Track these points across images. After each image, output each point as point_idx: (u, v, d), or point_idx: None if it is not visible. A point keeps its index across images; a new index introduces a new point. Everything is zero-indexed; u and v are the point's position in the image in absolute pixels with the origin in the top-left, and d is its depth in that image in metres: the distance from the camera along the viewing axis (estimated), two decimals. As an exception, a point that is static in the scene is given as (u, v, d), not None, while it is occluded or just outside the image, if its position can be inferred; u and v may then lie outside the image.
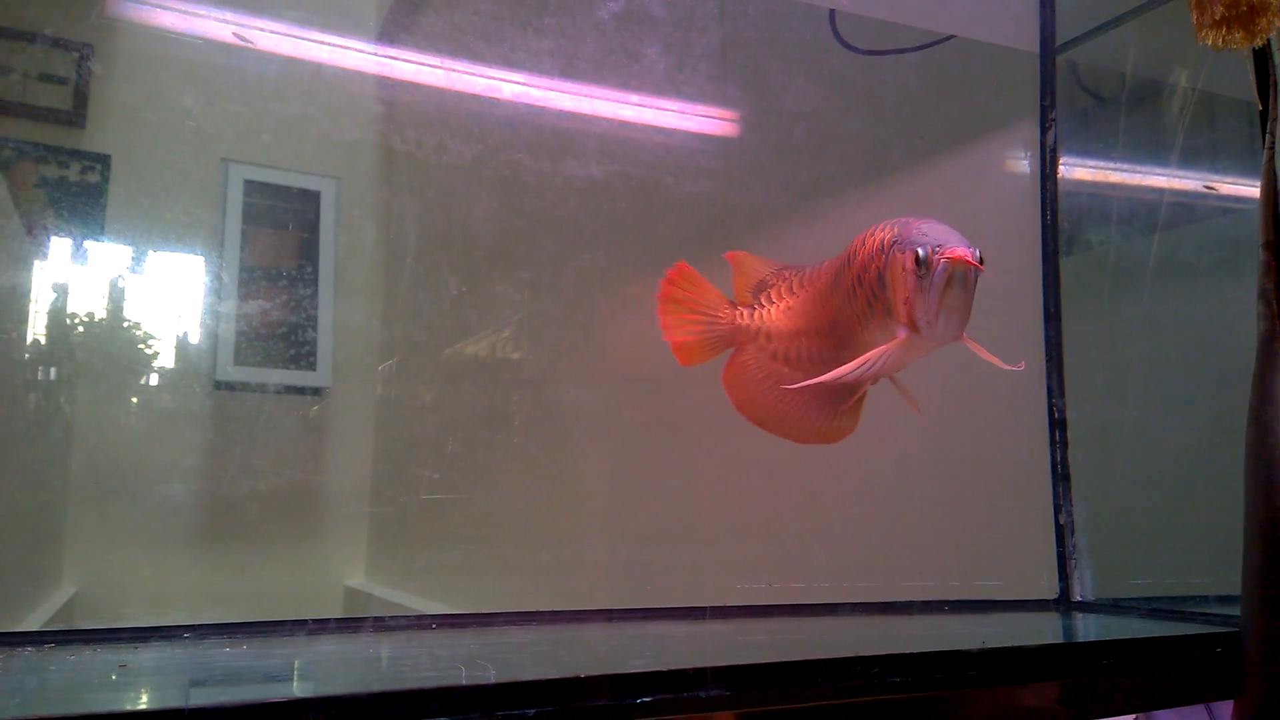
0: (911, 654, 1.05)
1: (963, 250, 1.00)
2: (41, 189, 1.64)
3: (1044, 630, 1.40)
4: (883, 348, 1.07)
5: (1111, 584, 1.56)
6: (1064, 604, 1.56)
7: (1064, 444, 1.57)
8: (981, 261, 1.01)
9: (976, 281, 1.01)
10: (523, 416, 1.58)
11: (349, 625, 1.21)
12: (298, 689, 0.86)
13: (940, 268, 0.99)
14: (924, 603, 1.46)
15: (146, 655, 1.05)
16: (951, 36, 1.63)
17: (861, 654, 1.02)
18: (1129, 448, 1.58)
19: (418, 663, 1.04)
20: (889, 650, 1.04)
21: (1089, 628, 1.42)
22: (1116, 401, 1.59)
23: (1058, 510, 1.57)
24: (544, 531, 1.55)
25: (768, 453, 1.58)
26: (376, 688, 0.83)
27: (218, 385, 1.70)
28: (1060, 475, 1.57)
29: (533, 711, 0.86)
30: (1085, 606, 1.55)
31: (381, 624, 1.22)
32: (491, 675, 0.90)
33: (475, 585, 1.51)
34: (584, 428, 1.57)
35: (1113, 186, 1.66)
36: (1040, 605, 1.55)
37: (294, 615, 1.23)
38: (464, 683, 0.87)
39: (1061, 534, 1.57)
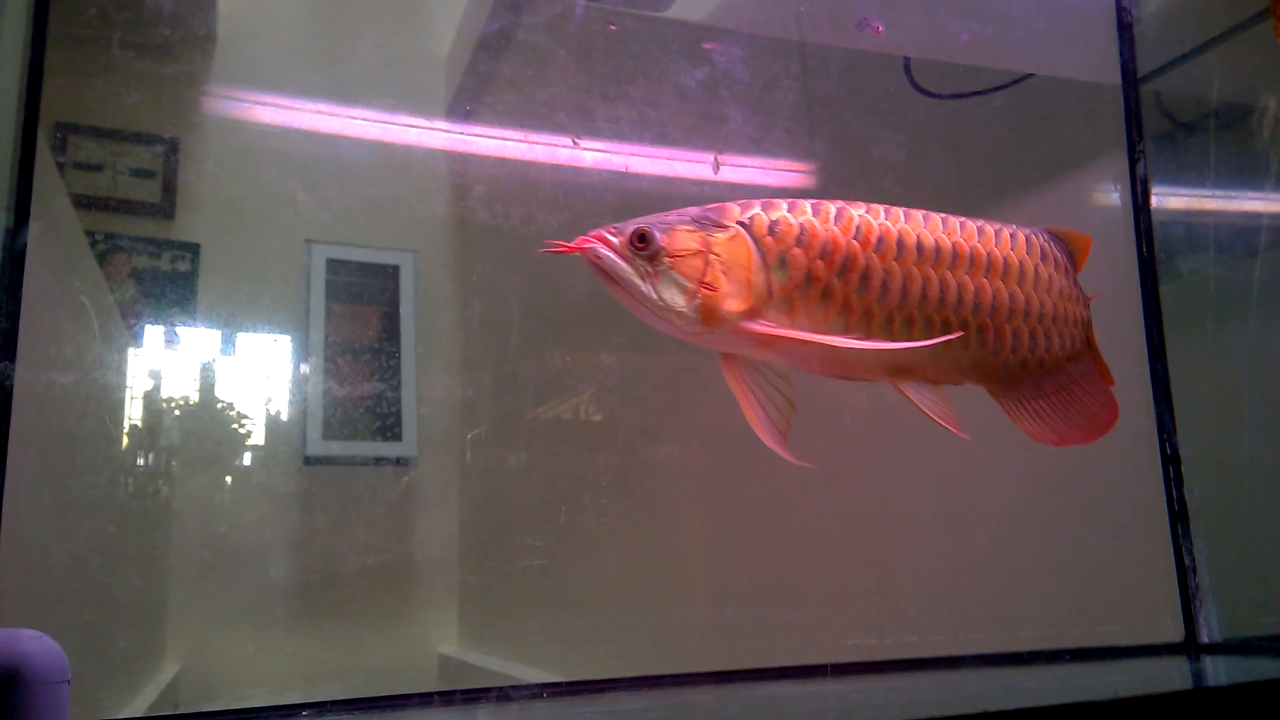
0: (1043, 707, 1.01)
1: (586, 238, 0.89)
2: (134, 279, 1.71)
3: (1174, 676, 1.34)
4: None
5: (1240, 623, 1.49)
6: (1191, 647, 1.50)
7: (1179, 481, 1.52)
8: (640, 241, 0.86)
9: (635, 275, 0.86)
10: (618, 478, 1.58)
11: (469, 696, 1.21)
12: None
13: None
14: (1046, 652, 1.41)
15: (271, 738, 1.05)
16: (1031, 75, 1.62)
17: (989, 710, 0.98)
18: (1247, 480, 1.53)
19: (537, 736, 1.03)
20: (1018, 705, 1.00)
21: (1220, 671, 1.35)
22: (1230, 434, 1.54)
23: (1178, 549, 1.51)
24: (645, 594, 1.54)
25: (870, 503, 1.55)
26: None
27: (308, 460, 1.73)
28: (1178, 513, 1.52)
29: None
30: (1214, 649, 1.48)
31: (503, 694, 1.21)
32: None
33: (572, 651, 1.50)
34: (681, 486, 1.56)
35: (1208, 214, 1.63)
36: (1167, 649, 1.49)
37: (389, 685, 1.23)
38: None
39: (1183, 574, 1.51)
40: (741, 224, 0.91)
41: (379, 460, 1.79)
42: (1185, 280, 1.60)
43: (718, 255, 0.89)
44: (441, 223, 1.74)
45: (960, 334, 0.94)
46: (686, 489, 1.58)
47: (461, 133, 1.69)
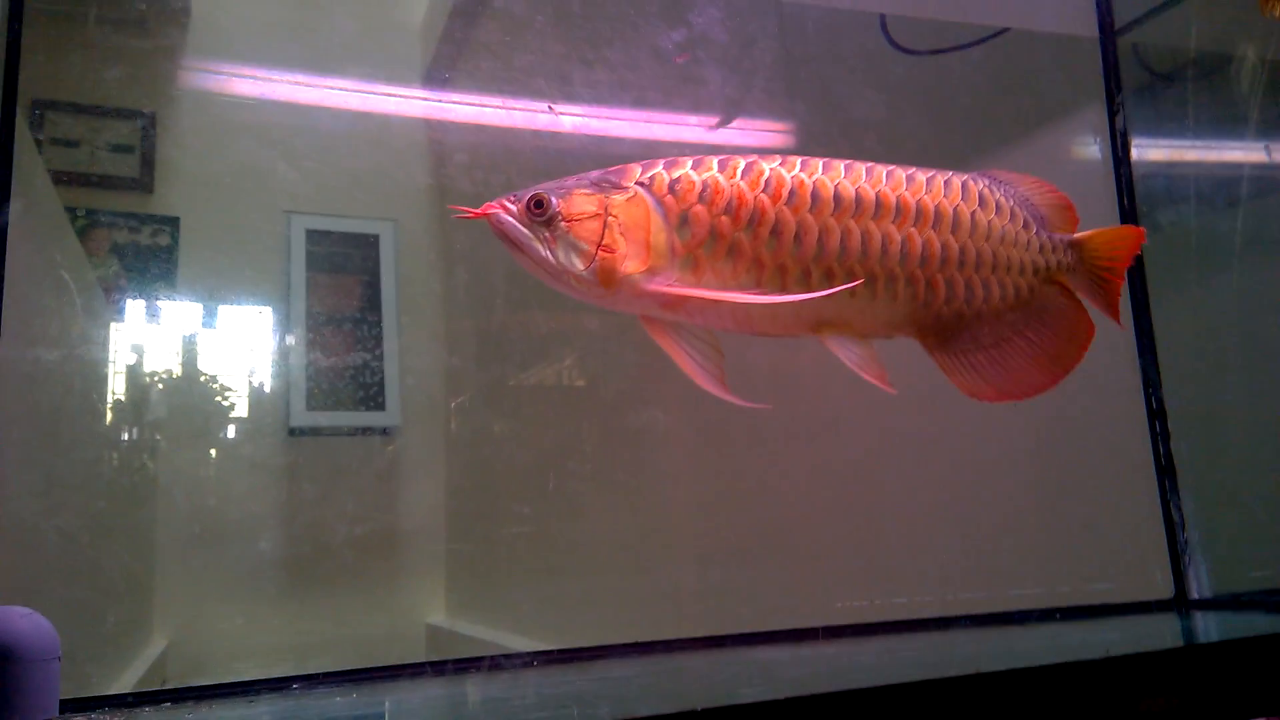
0: (1035, 667, 1.01)
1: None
2: (115, 254, 1.68)
3: (1164, 633, 1.34)
4: None
5: (1229, 578, 1.49)
6: (1181, 603, 1.50)
7: (1165, 435, 1.51)
8: (537, 206, 0.86)
9: (534, 239, 0.87)
10: (603, 443, 1.57)
11: (460, 666, 1.21)
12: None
13: None
14: (1037, 611, 1.41)
15: (263, 709, 1.05)
16: (1007, 29, 1.60)
17: (982, 670, 0.98)
18: (1234, 433, 1.53)
19: (527, 704, 1.03)
20: (1011, 665, 1.00)
21: (1210, 627, 1.36)
22: (1216, 386, 1.54)
23: (1165, 505, 1.51)
24: (634, 559, 1.53)
25: (856, 461, 1.54)
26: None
27: (292, 432, 1.72)
28: (1165, 468, 1.51)
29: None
30: (1204, 604, 1.48)
31: (494, 664, 1.21)
32: (605, 714, 0.89)
33: (561, 618, 1.50)
34: (668, 450, 1.55)
35: (1189, 165, 1.62)
36: (1157, 606, 1.49)
37: (376, 656, 1.23)
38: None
39: (1171, 529, 1.51)
40: (641, 184, 0.90)
41: (363, 430, 1.78)
42: (1167, 232, 1.60)
43: (616, 217, 0.88)
44: (421, 191, 1.72)
45: (860, 282, 0.91)
46: (673, 452, 1.57)
47: (439, 100, 1.67)
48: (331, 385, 1.77)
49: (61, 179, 1.61)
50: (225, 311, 1.66)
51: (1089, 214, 1.63)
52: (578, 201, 0.88)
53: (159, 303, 1.69)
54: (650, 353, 1.58)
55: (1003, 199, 1.01)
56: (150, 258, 1.70)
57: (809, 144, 1.60)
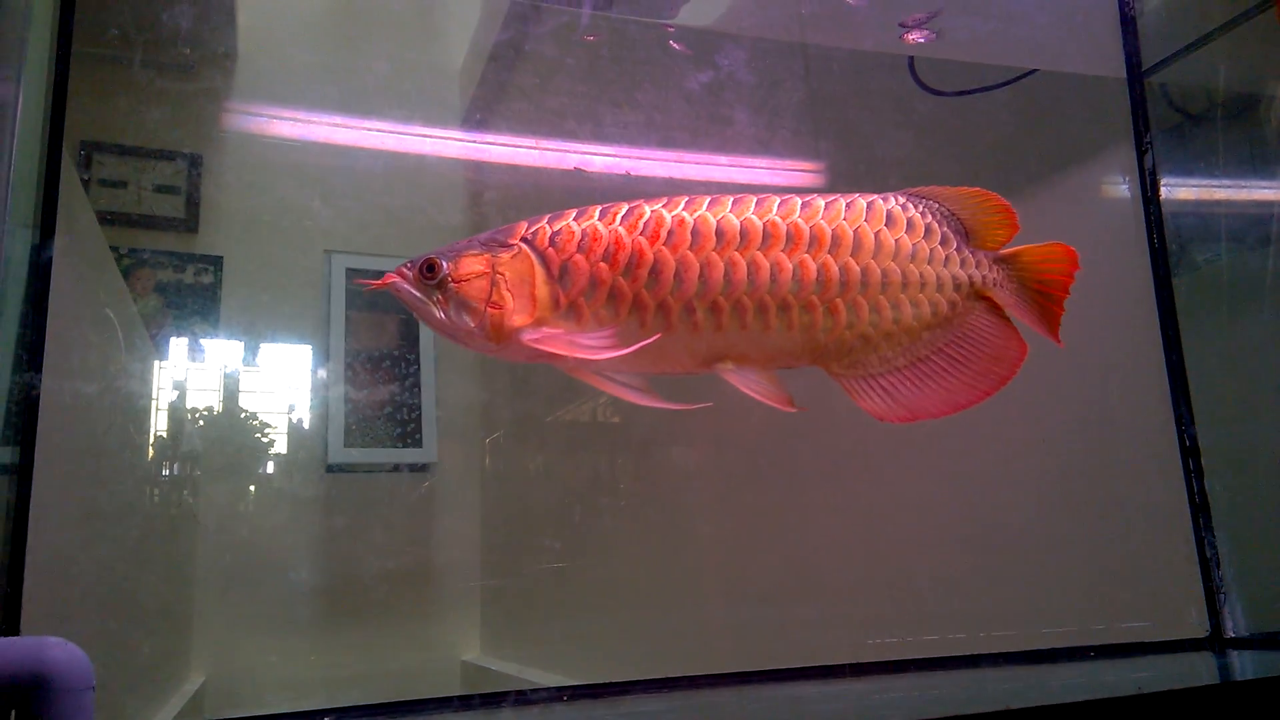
0: (1065, 704, 1.00)
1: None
2: (159, 292, 1.74)
3: (1199, 671, 1.32)
4: None
5: (1267, 617, 1.47)
6: (1217, 642, 1.48)
7: (1199, 473, 1.50)
8: (429, 271, 0.90)
9: (428, 302, 0.91)
10: (634, 480, 1.58)
11: (489, 701, 1.22)
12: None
13: None
14: (1069, 649, 1.39)
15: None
16: (1034, 70, 1.62)
17: (1012, 708, 0.97)
18: (1268, 470, 1.51)
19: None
20: (1040, 702, 1.00)
21: (1247, 665, 1.34)
22: (1249, 424, 1.52)
23: (1200, 543, 1.49)
24: (665, 595, 1.54)
25: (887, 499, 1.54)
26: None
27: (330, 468, 1.75)
28: (1199, 506, 1.50)
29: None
30: (1240, 643, 1.46)
31: (521, 699, 1.22)
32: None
33: (593, 654, 1.50)
34: (699, 487, 1.56)
35: (1219, 204, 1.62)
36: (1192, 645, 1.47)
37: (412, 692, 1.24)
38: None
39: (1206, 567, 1.49)
40: (525, 239, 0.93)
41: (401, 467, 1.81)
42: (1198, 271, 1.60)
43: (503, 274, 0.91)
44: (457, 230, 1.76)
45: (657, 337, 0.92)
46: (704, 490, 1.58)
47: (474, 141, 1.72)
48: (369, 422, 1.81)
49: (107, 219, 1.67)
50: (266, 349, 1.71)
51: (1118, 252, 1.64)
52: (466, 263, 0.92)
53: (201, 340, 1.74)
54: (683, 392, 1.60)
55: (917, 216, 1.00)
56: (194, 296, 1.75)
57: (836, 183, 1.62)
